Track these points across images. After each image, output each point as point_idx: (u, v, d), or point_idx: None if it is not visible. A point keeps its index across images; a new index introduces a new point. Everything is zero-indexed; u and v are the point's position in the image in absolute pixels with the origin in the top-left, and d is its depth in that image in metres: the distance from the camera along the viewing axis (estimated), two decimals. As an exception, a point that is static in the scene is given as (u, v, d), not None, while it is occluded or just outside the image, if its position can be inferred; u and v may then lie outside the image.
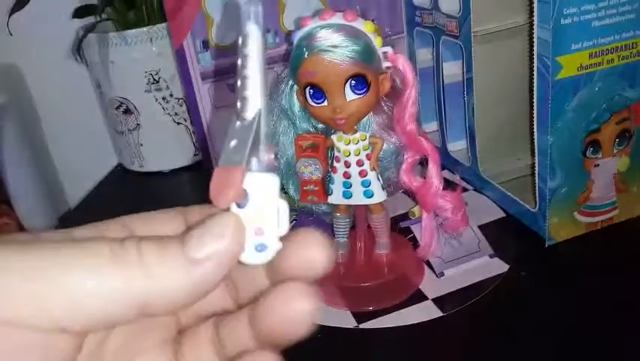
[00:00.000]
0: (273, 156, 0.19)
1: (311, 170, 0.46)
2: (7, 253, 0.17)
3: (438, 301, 0.47)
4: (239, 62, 0.20)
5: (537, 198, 0.51)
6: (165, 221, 0.21)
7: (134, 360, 0.21)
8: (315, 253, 0.19)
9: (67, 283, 0.17)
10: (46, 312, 0.17)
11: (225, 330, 0.21)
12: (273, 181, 0.19)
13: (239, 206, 0.19)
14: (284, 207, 0.19)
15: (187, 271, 0.18)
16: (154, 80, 0.74)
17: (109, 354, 0.20)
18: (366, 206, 0.48)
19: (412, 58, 0.68)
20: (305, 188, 0.48)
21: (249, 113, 0.19)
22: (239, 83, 0.20)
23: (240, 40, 0.20)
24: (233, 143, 0.19)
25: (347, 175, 0.46)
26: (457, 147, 0.66)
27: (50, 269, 0.17)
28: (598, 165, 0.50)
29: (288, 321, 0.19)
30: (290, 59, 0.45)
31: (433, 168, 0.46)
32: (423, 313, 0.46)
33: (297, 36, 0.44)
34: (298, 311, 0.19)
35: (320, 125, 0.48)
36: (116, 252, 0.18)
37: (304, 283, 0.19)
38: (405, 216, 0.56)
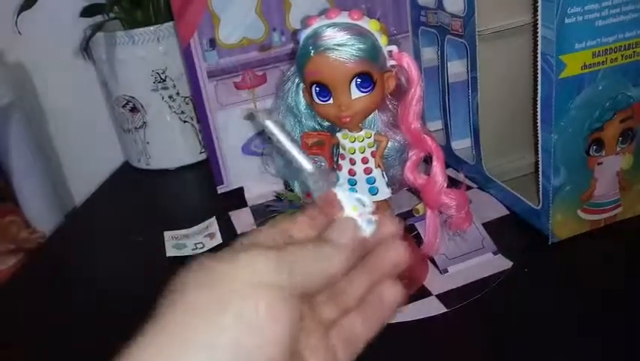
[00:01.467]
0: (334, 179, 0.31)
1: (316, 167, 0.47)
2: None
3: (442, 297, 0.48)
4: (276, 142, 0.30)
5: (541, 196, 0.52)
6: (305, 225, 0.30)
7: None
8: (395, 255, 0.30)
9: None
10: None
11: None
12: (344, 189, 0.30)
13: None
14: (361, 196, 0.30)
15: (342, 252, 0.27)
16: (161, 78, 0.75)
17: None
18: (371, 203, 0.49)
19: (417, 57, 0.68)
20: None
21: (308, 165, 0.30)
22: (288, 155, 0.30)
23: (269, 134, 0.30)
24: (314, 182, 0.30)
25: (352, 172, 0.47)
26: (462, 145, 0.66)
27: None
28: (601, 163, 0.50)
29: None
30: (296, 57, 0.45)
31: (437, 166, 0.46)
32: (427, 309, 0.47)
33: (303, 35, 0.44)
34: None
35: (326, 123, 0.48)
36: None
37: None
38: (409, 214, 0.56)
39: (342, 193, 0.30)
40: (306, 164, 0.30)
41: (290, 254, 0.26)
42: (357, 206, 0.30)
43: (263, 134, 0.65)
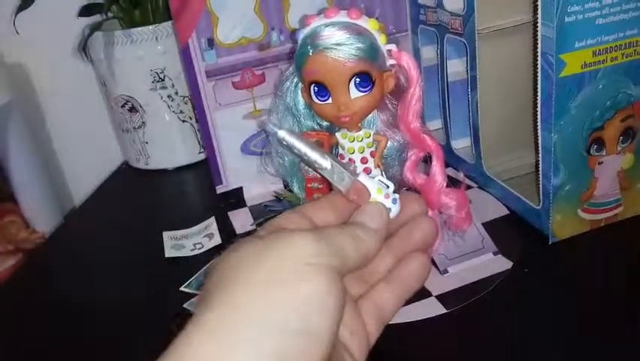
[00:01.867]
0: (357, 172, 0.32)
1: (315, 167, 0.46)
2: None
3: (441, 297, 0.47)
4: (301, 153, 0.31)
5: (541, 196, 0.52)
6: (325, 212, 0.31)
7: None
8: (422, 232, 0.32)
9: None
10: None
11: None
12: (365, 175, 0.32)
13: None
14: (382, 178, 0.32)
15: (375, 234, 0.29)
16: (159, 78, 0.75)
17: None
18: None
19: (416, 56, 0.68)
20: (310, 185, 0.48)
21: (326, 163, 0.31)
22: (311, 162, 0.31)
23: (282, 142, 0.31)
24: (337, 174, 0.31)
25: (351, 172, 0.47)
26: (462, 144, 0.66)
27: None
28: (602, 162, 0.50)
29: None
30: (295, 57, 0.45)
31: (436, 166, 0.46)
32: (426, 309, 0.46)
33: (301, 34, 0.44)
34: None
35: (324, 123, 0.48)
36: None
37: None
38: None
39: (365, 179, 0.31)
40: (325, 163, 0.31)
41: (328, 236, 0.27)
42: (381, 188, 0.32)
43: (262, 134, 0.65)
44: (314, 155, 0.31)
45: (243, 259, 0.25)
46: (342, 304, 0.25)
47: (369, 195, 0.31)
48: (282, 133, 0.31)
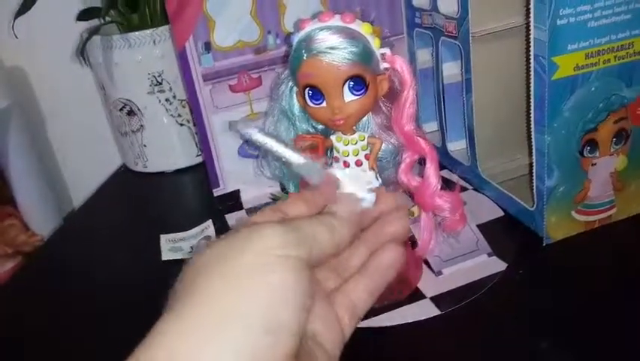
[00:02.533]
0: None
1: (310, 170, 0.47)
2: None
3: (436, 299, 0.48)
4: (272, 151, 0.32)
5: (535, 198, 0.52)
6: (297, 206, 0.30)
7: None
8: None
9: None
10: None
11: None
12: (340, 168, 0.35)
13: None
14: (357, 171, 0.36)
15: (347, 222, 0.29)
16: (157, 81, 0.75)
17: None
18: (365, 205, 0.49)
19: (412, 58, 0.68)
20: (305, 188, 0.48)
21: (298, 158, 0.32)
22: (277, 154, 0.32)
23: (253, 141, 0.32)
24: (307, 172, 0.32)
25: (346, 175, 0.47)
26: (457, 146, 0.66)
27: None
28: (595, 164, 0.50)
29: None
30: (289, 60, 0.45)
31: (430, 168, 0.46)
32: (421, 311, 0.47)
33: (296, 38, 0.44)
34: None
35: (319, 126, 0.48)
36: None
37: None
38: (404, 216, 0.56)
39: (338, 172, 0.32)
40: (296, 158, 0.31)
41: (297, 227, 0.27)
42: (354, 182, 0.32)
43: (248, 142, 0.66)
44: (284, 151, 0.32)
45: (215, 255, 0.25)
46: (310, 295, 0.25)
47: (341, 186, 0.32)
48: (250, 132, 0.32)
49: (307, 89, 0.44)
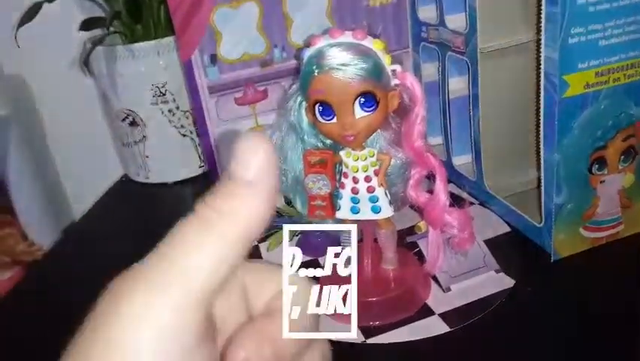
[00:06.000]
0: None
1: (319, 185, 0.47)
2: None
3: (444, 316, 0.48)
4: None
5: (543, 214, 0.52)
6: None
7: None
8: None
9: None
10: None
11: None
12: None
13: None
14: None
15: (255, 196, 0.21)
16: (160, 92, 0.75)
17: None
18: (374, 221, 0.49)
19: (417, 72, 0.68)
20: (313, 203, 0.48)
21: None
22: None
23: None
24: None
25: (355, 191, 0.47)
26: (463, 160, 0.66)
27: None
28: (603, 181, 0.50)
29: None
30: (300, 76, 0.45)
31: (440, 185, 0.46)
32: (429, 328, 0.47)
33: (307, 54, 0.44)
34: None
35: (328, 141, 0.48)
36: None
37: None
38: (411, 231, 0.56)
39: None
40: None
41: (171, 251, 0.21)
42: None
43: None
44: None
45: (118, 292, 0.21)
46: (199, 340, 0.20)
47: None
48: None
49: (317, 104, 0.44)
